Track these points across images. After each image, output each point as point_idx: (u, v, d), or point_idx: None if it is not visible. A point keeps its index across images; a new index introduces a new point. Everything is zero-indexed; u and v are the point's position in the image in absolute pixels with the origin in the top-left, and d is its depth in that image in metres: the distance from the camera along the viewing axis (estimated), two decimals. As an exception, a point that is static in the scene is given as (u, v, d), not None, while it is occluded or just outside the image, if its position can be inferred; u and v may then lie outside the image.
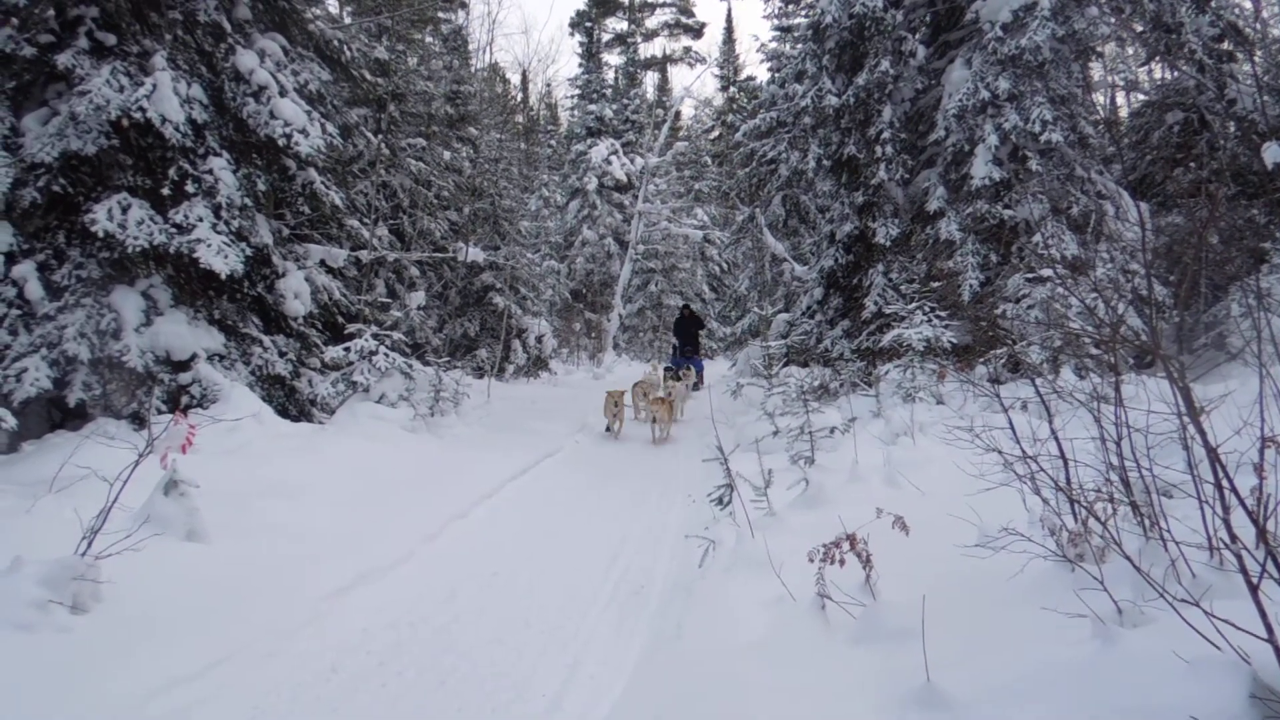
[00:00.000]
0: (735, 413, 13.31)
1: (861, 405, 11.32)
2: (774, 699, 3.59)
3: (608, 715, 3.89)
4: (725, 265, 35.81)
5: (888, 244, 14.50)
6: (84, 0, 9.31)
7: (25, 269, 8.93)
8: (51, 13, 9.16)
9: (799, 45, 20.18)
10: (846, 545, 4.60)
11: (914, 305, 12.58)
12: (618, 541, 7.47)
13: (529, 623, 5.53)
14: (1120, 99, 22.15)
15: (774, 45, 25.54)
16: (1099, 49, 15.38)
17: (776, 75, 22.85)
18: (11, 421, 7.19)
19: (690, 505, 8.60)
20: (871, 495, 6.36)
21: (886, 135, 14.48)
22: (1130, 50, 16.55)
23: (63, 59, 9.02)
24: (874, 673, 3.67)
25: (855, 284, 15.67)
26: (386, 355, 11.42)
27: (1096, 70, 17.82)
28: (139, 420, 8.88)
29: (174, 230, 9.37)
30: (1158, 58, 15.26)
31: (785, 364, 15.58)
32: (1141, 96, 18.00)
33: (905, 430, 9.34)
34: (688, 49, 46.57)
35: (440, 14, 25.04)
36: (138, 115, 9.06)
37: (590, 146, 33.41)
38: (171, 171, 9.60)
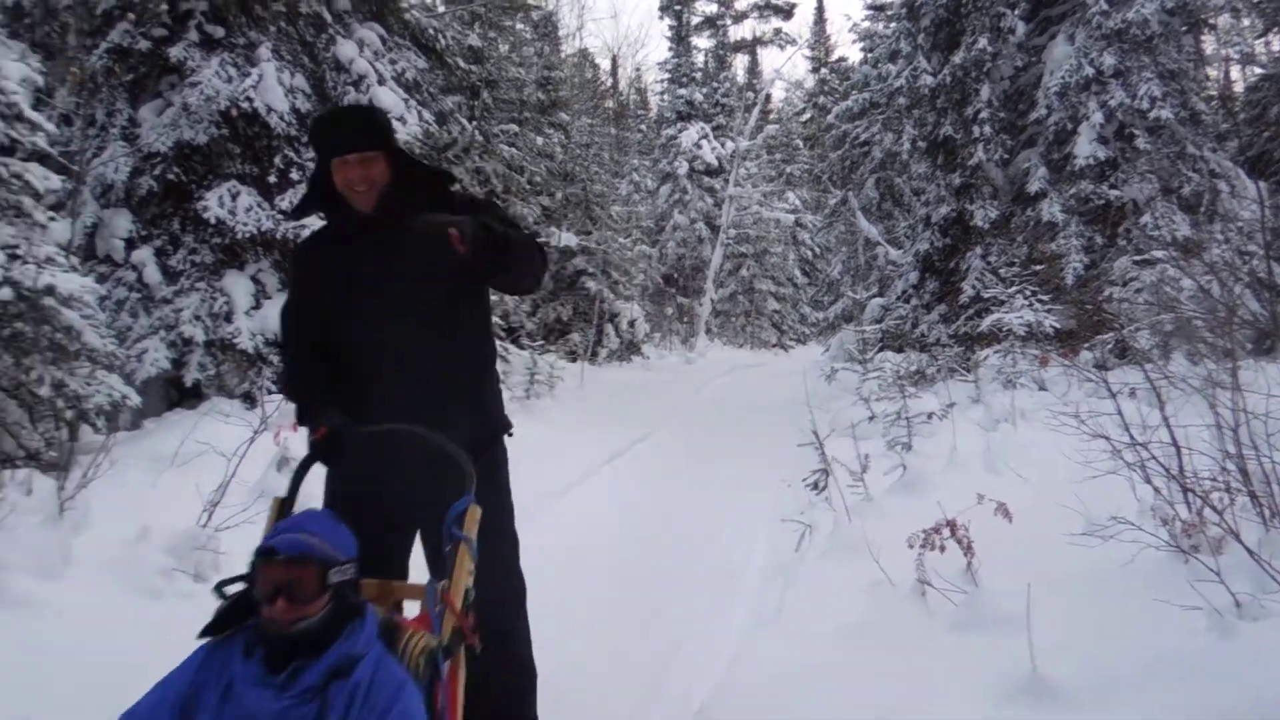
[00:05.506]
0: (829, 398, 13.20)
1: (960, 391, 11.11)
2: (874, 682, 3.59)
3: (710, 692, 3.93)
4: (817, 249, 35.40)
5: (986, 226, 14.20)
6: (194, -6, 9.67)
7: (144, 254, 9.37)
8: (164, 6, 9.52)
9: (893, 24, 19.83)
10: (947, 531, 4.55)
11: (1014, 289, 12.31)
12: (713, 525, 7.48)
13: (627, 604, 5.57)
14: (1235, 73, 21.20)
15: (866, 25, 25.15)
16: (1211, 21, 14.76)
17: (869, 55, 22.52)
18: (136, 400, 7.51)
19: (785, 490, 8.57)
20: (971, 482, 6.23)
21: (984, 115, 14.15)
22: (1246, 21, 15.83)
23: (175, 51, 9.36)
24: (976, 660, 3.63)
25: (952, 268, 15.38)
26: (483, 338, 11.59)
27: (1209, 43, 17.08)
28: (250, 399, 9.20)
29: (280, 216, 9.69)
30: (1276, 29, 14.59)
31: (880, 349, 15.41)
32: (1258, 70, 17.20)
33: (1006, 416, 9.14)
34: (778, 30, 45.98)
35: (530, 0, 25.23)
36: (245, 105, 9.36)
37: (680, 131, 33.22)
38: (277, 159, 9.89)
